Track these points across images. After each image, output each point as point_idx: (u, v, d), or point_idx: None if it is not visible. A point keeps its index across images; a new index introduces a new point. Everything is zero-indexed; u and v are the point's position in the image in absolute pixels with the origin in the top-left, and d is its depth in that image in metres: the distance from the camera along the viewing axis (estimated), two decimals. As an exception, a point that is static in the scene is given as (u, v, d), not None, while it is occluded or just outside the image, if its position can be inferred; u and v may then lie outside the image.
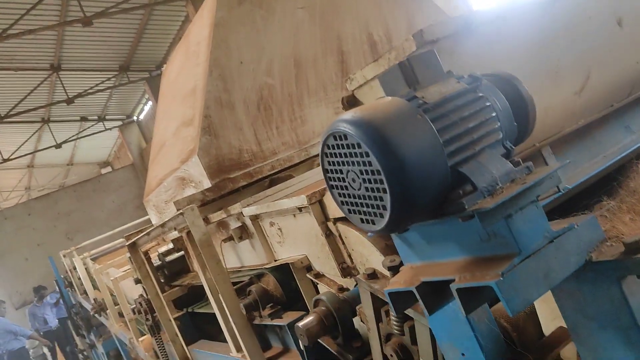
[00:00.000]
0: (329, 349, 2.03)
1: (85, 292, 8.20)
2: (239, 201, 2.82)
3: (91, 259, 7.66)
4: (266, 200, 2.50)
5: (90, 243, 8.86)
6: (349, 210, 0.97)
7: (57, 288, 11.13)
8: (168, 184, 3.35)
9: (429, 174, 0.87)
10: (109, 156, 29.26)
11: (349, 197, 0.96)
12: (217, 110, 2.87)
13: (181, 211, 2.57)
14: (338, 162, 0.94)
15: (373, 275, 1.66)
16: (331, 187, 0.99)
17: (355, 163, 0.90)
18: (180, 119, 3.25)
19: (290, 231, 2.35)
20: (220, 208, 2.93)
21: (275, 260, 2.57)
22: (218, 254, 2.61)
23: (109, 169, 28.54)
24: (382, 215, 0.89)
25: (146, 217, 9.09)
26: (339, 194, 0.98)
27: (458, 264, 0.96)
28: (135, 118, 23.04)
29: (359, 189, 0.92)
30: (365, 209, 0.93)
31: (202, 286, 3.98)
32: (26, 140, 20.30)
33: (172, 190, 3.30)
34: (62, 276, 9.86)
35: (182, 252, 4.31)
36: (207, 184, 2.84)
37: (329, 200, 2.02)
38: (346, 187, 0.95)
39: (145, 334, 5.42)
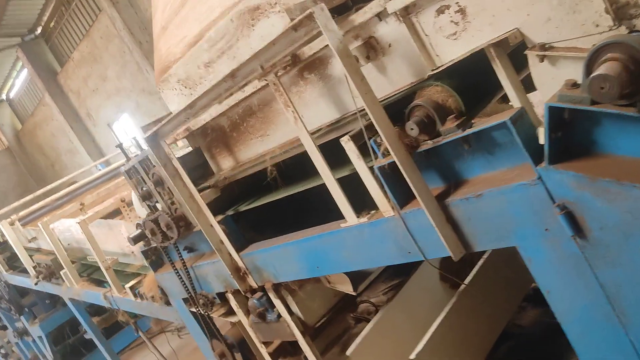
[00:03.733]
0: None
1: (12, 267, 6.90)
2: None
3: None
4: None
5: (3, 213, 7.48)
6: None
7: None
8: (216, 33, 2.58)
9: None
10: (-28, 147, 25.75)
11: None
12: None
13: (309, 11, 1.86)
14: None
15: None
16: None
17: None
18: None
19: (488, 2, 1.76)
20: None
21: (438, 67, 1.97)
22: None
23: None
24: None
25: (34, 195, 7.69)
26: None
27: None
28: (4, 97, 20.28)
29: None
30: None
31: (242, 183, 3.25)
32: None
33: (228, 38, 2.54)
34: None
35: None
36: (311, -7, 2.14)
37: None
38: None
39: (124, 283, 4.50)
